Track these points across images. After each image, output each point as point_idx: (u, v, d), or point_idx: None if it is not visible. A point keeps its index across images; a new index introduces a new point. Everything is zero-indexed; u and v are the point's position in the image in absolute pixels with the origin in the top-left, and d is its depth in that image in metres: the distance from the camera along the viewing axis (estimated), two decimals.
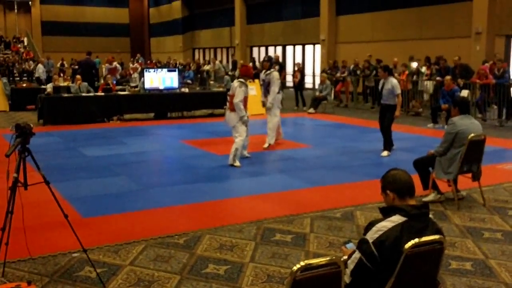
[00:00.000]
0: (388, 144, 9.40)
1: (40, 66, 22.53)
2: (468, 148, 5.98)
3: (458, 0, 18.20)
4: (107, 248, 4.85)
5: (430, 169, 6.34)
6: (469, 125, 6.12)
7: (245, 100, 8.48)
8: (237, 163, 8.41)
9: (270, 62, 10.55)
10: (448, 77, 12.60)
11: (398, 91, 9.06)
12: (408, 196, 2.89)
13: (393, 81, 9.17)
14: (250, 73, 9.14)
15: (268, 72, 10.14)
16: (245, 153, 9.01)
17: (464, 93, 12.82)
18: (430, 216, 2.91)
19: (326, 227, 5.46)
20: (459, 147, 6.04)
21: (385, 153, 9.27)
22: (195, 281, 4.15)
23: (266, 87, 10.16)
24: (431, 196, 6.31)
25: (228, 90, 13.63)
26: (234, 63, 23.26)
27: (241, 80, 8.63)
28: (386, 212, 2.88)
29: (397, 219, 2.79)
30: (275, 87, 9.97)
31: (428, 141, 10.12)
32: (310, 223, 5.58)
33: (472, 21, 17.15)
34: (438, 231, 2.87)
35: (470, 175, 6.32)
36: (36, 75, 22.36)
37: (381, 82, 9.45)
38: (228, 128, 8.92)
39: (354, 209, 6.09)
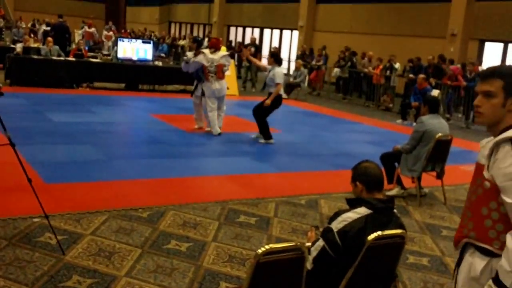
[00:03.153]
0: (263, 133, 8.94)
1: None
2: (434, 147, 6.11)
3: (436, 0, 18.40)
4: (68, 216, 4.79)
5: (396, 164, 6.46)
6: (436, 124, 6.24)
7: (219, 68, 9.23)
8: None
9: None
10: (421, 76, 12.75)
11: (278, 80, 8.76)
12: (376, 190, 2.93)
13: (276, 69, 8.88)
14: (218, 46, 9.58)
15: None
16: (218, 128, 9.24)
17: (435, 92, 13.01)
18: (394, 211, 2.97)
19: (290, 213, 5.52)
20: (426, 146, 6.17)
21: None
22: (156, 256, 4.14)
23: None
24: (395, 191, 6.43)
25: None
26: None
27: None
28: (353, 204, 2.91)
29: (362, 211, 2.83)
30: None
31: (396, 136, 10.26)
32: (275, 208, 5.63)
33: (449, 23, 17.37)
34: (401, 225, 2.93)
35: (434, 173, 6.47)
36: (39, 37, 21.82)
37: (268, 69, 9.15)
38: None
39: (319, 197, 6.16)
